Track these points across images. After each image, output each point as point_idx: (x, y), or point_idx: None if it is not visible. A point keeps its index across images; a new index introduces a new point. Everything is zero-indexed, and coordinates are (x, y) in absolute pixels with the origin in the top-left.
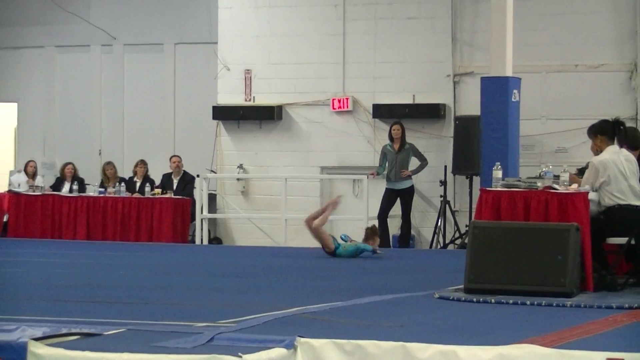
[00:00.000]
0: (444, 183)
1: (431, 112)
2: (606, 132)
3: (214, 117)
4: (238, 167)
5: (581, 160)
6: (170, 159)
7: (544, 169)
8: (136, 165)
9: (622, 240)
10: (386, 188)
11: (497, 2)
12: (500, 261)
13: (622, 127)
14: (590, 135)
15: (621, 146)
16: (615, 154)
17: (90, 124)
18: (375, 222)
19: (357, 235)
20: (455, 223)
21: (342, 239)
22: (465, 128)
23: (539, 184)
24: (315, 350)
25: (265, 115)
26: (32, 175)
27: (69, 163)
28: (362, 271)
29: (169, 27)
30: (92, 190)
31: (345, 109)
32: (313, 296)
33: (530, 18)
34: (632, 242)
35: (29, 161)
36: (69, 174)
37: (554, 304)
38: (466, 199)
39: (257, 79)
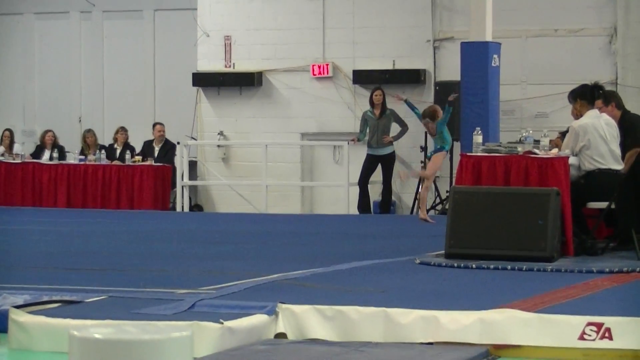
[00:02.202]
0: (424, 149)
1: (411, 78)
2: (586, 96)
3: (194, 84)
4: (218, 134)
5: (561, 125)
6: (154, 126)
7: (524, 134)
8: (116, 133)
9: (603, 204)
10: (367, 154)
11: None
12: (480, 226)
13: (601, 92)
14: (570, 100)
15: (608, 105)
16: (596, 118)
17: (70, 91)
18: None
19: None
20: (436, 188)
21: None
22: (446, 93)
23: (519, 149)
24: (297, 316)
25: (245, 82)
26: (9, 146)
27: (49, 130)
28: (344, 237)
29: None
30: (73, 158)
31: (325, 75)
32: (294, 262)
33: None
34: (612, 206)
35: (4, 131)
36: (49, 141)
37: (535, 269)
38: (447, 165)
39: (236, 45)
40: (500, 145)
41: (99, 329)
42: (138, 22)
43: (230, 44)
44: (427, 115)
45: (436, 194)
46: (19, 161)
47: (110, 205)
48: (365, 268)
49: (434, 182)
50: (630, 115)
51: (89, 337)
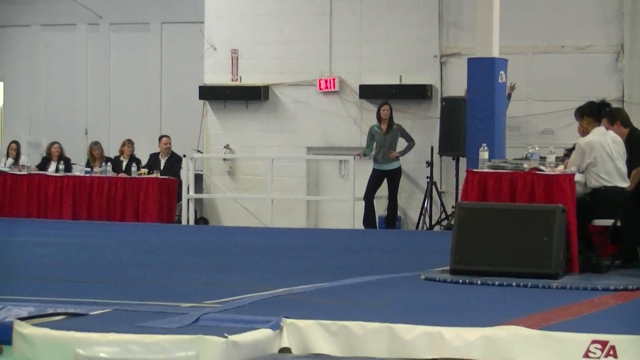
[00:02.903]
0: (430, 164)
1: (418, 93)
2: (592, 113)
3: (201, 97)
4: (224, 147)
5: (567, 142)
6: (160, 139)
7: (530, 151)
8: (123, 145)
9: (608, 222)
10: (373, 169)
11: None
12: (486, 242)
13: (608, 109)
14: (576, 117)
15: (613, 124)
16: (602, 136)
17: (77, 103)
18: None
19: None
20: (442, 204)
21: None
22: (452, 109)
23: (525, 166)
24: (301, 331)
25: (252, 95)
26: (15, 157)
27: (55, 142)
28: (348, 251)
29: (155, 6)
30: (79, 170)
31: (332, 89)
32: (299, 277)
33: None
34: (618, 223)
35: (10, 143)
36: (55, 153)
37: (540, 286)
38: (452, 180)
39: (243, 58)
40: (506, 162)
41: (104, 348)
42: (145, 34)
43: (237, 57)
44: None
45: (442, 209)
46: (25, 173)
47: (116, 218)
48: (370, 283)
49: (440, 197)
50: (637, 132)
51: (94, 357)
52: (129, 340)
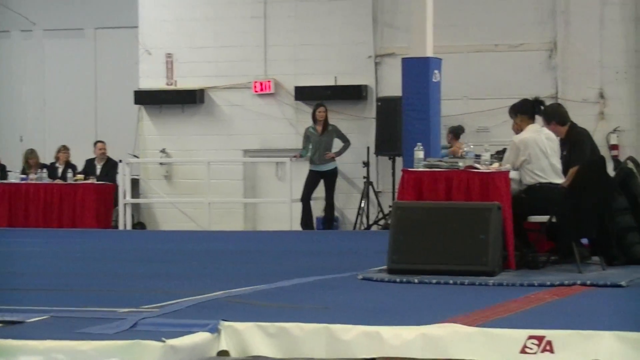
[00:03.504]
0: (366, 164)
1: (353, 94)
2: (526, 111)
3: (136, 102)
4: (161, 151)
5: (503, 140)
6: (95, 144)
7: (465, 149)
8: (58, 151)
9: (544, 218)
10: (310, 170)
11: None
12: (422, 241)
13: (542, 106)
14: (511, 115)
15: (549, 123)
16: (536, 133)
17: (12, 110)
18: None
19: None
20: (379, 204)
21: None
22: (387, 109)
23: (461, 164)
24: (239, 334)
25: (188, 99)
26: None
27: None
28: (287, 254)
29: (89, 12)
30: (14, 177)
31: (268, 91)
32: (237, 280)
33: None
34: (553, 220)
35: None
36: None
37: (477, 283)
38: (389, 180)
39: (178, 62)
40: (441, 161)
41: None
42: (79, 40)
43: (172, 61)
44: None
45: (379, 209)
46: None
47: (53, 224)
48: (308, 285)
49: (377, 197)
50: (577, 129)
51: None
52: (56, 348)
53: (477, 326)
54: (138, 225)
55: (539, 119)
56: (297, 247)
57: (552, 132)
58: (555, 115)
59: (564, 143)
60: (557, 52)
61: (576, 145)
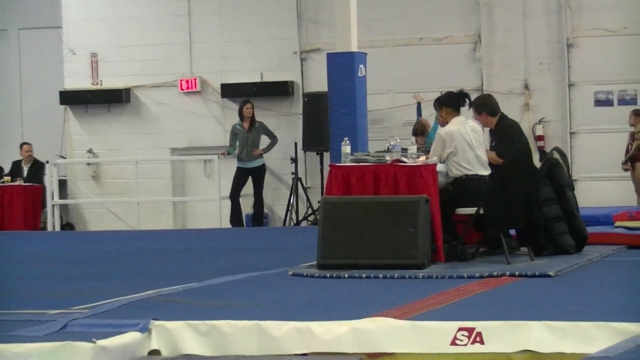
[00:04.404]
0: (294, 160)
1: (280, 90)
2: (451, 103)
3: (62, 102)
4: (88, 151)
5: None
6: (21, 146)
7: (392, 143)
8: None
9: (471, 210)
10: (237, 167)
11: None
12: (351, 236)
13: (467, 99)
14: (436, 108)
15: (480, 114)
16: (462, 125)
17: None
18: None
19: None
20: (308, 199)
21: None
22: (314, 105)
23: (388, 158)
24: (170, 333)
25: (114, 99)
26: None
27: None
28: (216, 251)
29: (12, 12)
30: None
31: (194, 89)
32: (167, 279)
33: None
34: (481, 211)
35: None
36: None
37: (407, 276)
38: (317, 176)
39: (103, 62)
40: (368, 155)
41: None
42: (2, 41)
43: (97, 61)
44: (419, 133)
45: (308, 204)
46: None
47: None
48: (238, 282)
49: (306, 193)
50: (506, 122)
51: None
52: None
53: (407, 319)
54: (67, 226)
55: (464, 111)
56: (227, 245)
57: (483, 123)
58: (485, 106)
59: (494, 133)
60: (481, 45)
61: (502, 137)
